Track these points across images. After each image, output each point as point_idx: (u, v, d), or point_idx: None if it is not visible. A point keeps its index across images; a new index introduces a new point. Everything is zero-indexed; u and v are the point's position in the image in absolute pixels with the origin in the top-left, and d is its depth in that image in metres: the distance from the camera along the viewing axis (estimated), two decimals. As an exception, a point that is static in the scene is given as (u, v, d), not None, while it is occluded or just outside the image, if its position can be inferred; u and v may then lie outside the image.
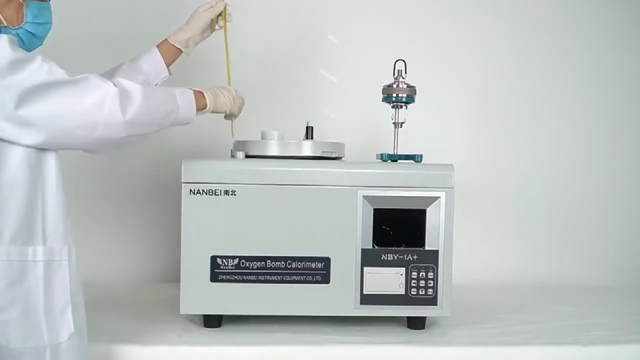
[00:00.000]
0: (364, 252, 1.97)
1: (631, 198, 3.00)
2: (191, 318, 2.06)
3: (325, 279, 1.96)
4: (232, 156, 2.05)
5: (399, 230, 1.98)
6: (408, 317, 2.04)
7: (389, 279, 1.97)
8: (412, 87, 2.11)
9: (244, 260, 1.94)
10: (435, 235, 1.98)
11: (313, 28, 2.84)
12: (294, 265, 1.95)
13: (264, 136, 2.09)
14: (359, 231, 1.96)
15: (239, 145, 2.08)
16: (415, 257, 1.98)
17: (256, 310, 1.97)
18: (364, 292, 1.97)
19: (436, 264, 1.98)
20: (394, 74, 2.11)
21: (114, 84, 1.56)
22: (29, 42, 1.62)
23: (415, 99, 2.12)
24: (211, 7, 2.01)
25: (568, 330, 2.07)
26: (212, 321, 1.99)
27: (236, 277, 1.94)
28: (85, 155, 1.69)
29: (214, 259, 1.93)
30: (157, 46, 1.99)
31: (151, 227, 2.77)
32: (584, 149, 2.96)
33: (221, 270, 1.93)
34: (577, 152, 2.96)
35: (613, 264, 2.96)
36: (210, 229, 1.93)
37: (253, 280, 1.94)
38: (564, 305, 2.43)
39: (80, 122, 1.52)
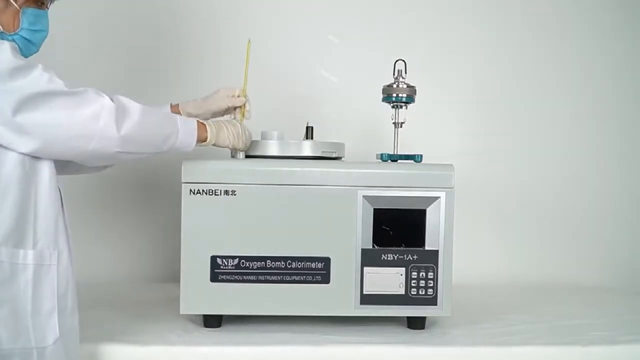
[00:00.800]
0: (364, 252, 1.97)
1: (631, 198, 3.00)
2: (191, 318, 2.06)
3: (325, 279, 1.96)
4: (232, 156, 2.05)
5: (399, 230, 1.98)
6: (408, 317, 2.04)
7: (389, 279, 1.97)
8: (412, 87, 2.11)
9: (244, 260, 1.94)
10: (435, 235, 1.98)
11: (313, 28, 2.84)
12: (294, 265, 1.95)
13: (264, 136, 2.09)
14: (359, 231, 1.96)
15: (239, 145, 2.07)
16: (415, 257, 1.98)
17: (256, 310, 1.97)
18: (364, 292, 1.97)
19: (436, 264, 1.98)
20: (394, 74, 2.11)
21: (112, 99, 1.58)
22: (24, 48, 1.63)
23: (415, 99, 2.12)
24: (232, 96, 2.01)
25: (568, 330, 2.07)
26: (212, 321, 1.99)
27: (236, 277, 1.94)
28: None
29: (214, 259, 1.93)
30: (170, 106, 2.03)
31: (151, 227, 2.77)
32: (584, 149, 2.96)
33: (221, 270, 1.93)
34: (576, 152, 2.96)
35: (613, 264, 2.96)
36: (210, 229, 1.93)
37: (253, 280, 1.94)
38: (564, 305, 2.43)
39: (75, 133, 1.53)
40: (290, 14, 2.83)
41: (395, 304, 1.97)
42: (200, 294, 1.93)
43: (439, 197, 1.97)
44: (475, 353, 1.88)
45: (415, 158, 2.08)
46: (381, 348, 1.87)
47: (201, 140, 1.82)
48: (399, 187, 1.97)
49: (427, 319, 2.05)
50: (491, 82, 2.91)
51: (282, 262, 1.95)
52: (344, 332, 1.98)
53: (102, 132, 1.55)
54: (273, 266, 1.94)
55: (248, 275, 1.94)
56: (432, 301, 1.98)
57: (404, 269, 1.97)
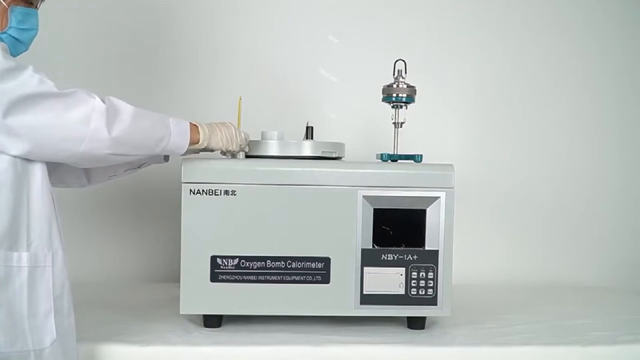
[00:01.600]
0: (364, 252, 1.97)
1: (631, 198, 3.00)
2: (191, 318, 2.06)
3: (325, 279, 1.96)
4: (232, 156, 2.05)
5: (399, 230, 1.98)
6: (408, 317, 2.04)
7: (388, 279, 1.97)
8: (412, 87, 2.11)
9: (244, 260, 1.94)
10: (435, 235, 1.98)
11: (313, 28, 2.84)
12: (294, 265, 1.95)
13: (264, 136, 2.09)
14: (359, 231, 1.96)
15: (239, 145, 2.07)
16: (415, 257, 1.98)
17: (256, 310, 1.97)
18: (364, 292, 1.97)
19: (436, 264, 1.98)
20: (394, 74, 2.11)
21: (103, 101, 1.57)
22: (13, 47, 1.61)
23: (415, 99, 2.12)
24: (229, 151, 1.92)
25: (568, 330, 2.07)
26: (212, 321, 1.99)
27: (236, 277, 1.94)
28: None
29: (214, 259, 1.93)
30: None
31: (151, 227, 2.77)
32: (584, 149, 2.96)
33: (221, 270, 1.93)
34: (576, 152, 2.96)
35: (613, 264, 2.97)
36: (210, 229, 1.93)
37: (253, 280, 1.94)
38: (564, 305, 2.43)
39: (65, 135, 1.52)
40: (290, 14, 2.83)
41: (395, 304, 1.97)
42: (200, 294, 1.93)
43: (439, 197, 1.97)
44: (475, 353, 1.88)
45: (415, 158, 2.08)
46: (381, 348, 1.87)
47: (193, 142, 1.80)
48: (399, 187, 1.97)
49: (427, 319, 2.05)
50: (491, 82, 2.91)
51: (282, 262, 1.94)
52: (344, 332, 1.98)
53: (93, 134, 1.53)
54: (273, 266, 1.94)
55: (248, 275, 1.94)
56: (432, 301, 1.98)
57: (404, 269, 1.97)
